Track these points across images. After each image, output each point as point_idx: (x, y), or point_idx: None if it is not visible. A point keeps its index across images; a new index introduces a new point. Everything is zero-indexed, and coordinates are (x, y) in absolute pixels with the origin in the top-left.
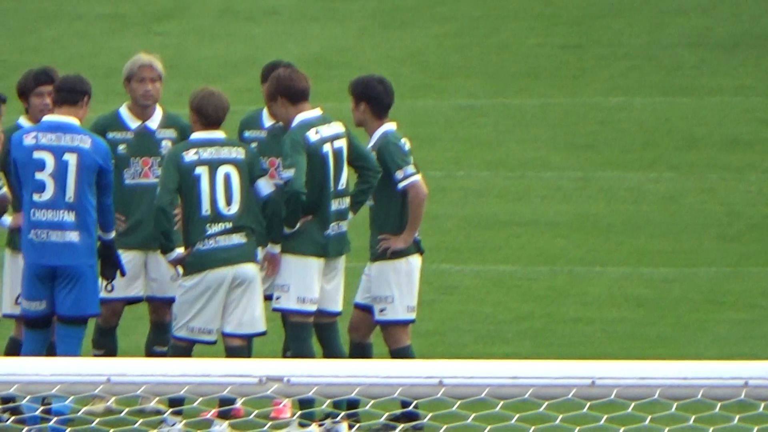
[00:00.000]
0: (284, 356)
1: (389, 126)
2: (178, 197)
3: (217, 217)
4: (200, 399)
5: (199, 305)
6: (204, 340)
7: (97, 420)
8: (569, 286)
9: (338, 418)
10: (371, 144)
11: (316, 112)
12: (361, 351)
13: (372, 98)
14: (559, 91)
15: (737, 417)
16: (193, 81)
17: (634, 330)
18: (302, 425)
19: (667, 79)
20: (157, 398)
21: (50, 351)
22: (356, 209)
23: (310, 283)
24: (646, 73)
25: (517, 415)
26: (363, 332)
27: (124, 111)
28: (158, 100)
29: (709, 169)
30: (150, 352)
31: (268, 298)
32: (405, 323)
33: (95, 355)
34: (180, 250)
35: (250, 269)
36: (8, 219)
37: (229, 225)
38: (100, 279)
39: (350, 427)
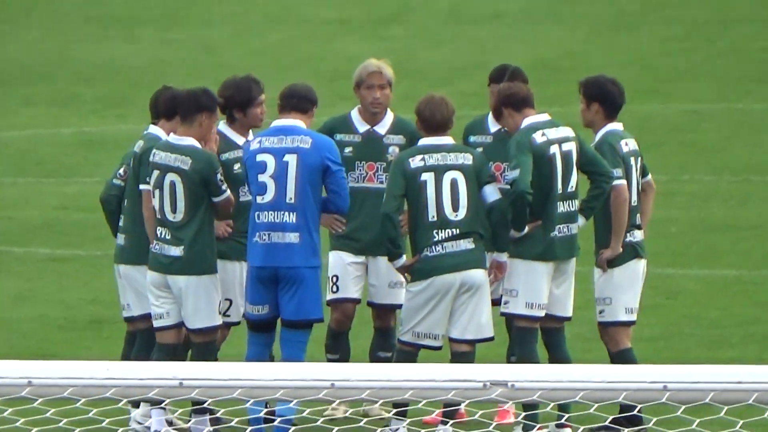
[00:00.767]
0: (509, 361)
1: (615, 126)
2: (404, 203)
3: (444, 222)
4: (423, 401)
5: (425, 310)
6: (429, 345)
7: (320, 420)
8: None
9: (563, 420)
10: (594, 143)
11: (543, 116)
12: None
13: (605, 99)
14: None
15: None
16: (418, 85)
17: None
18: (526, 429)
19: None
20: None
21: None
22: (588, 215)
23: (539, 287)
24: None
25: (741, 421)
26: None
27: (355, 114)
28: (387, 106)
29: None
30: (374, 358)
31: (495, 302)
32: (625, 325)
33: (329, 360)
34: (404, 258)
35: (477, 275)
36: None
37: (456, 230)
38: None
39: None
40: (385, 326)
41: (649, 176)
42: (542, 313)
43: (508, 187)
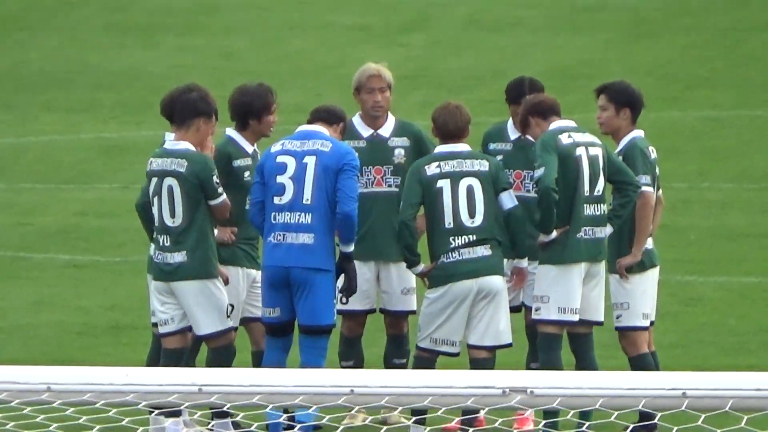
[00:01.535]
0: (528, 368)
1: (639, 132)
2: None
3: (460, 229)
4: (443, 408)
5: (443, 317)
6: (447, 352)
7: (340, 429)
8: None
9: (584, 428)
10: (618, 149)
11: (569, 122)
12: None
13: (635, 104)
14: None
15: None
16: (437, 92)
17: None
18: None
19: None
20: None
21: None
22: (615, 223)
23: (571, 292)
24: None
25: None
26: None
27: (357, 120)
28: (388, 109)
29: None
30: (389, 365)
31: (514, 309)
32: (642, 330)
33: (343, 367)
34: (422, 265)
35: (495, 281)
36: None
37: (473, 237)
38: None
39: None
40: (398, 333)
41: (660, 191)
42: (576, 318)
43: (527, 194)
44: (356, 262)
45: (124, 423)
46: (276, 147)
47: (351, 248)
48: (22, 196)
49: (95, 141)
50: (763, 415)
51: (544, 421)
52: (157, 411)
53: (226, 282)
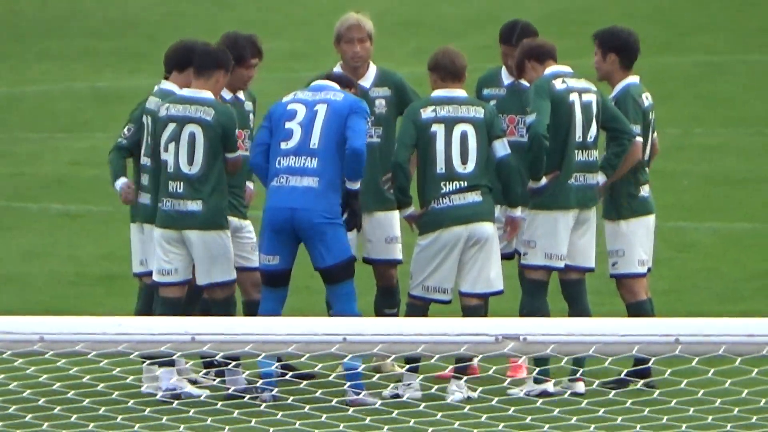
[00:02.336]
0: (521, 315)
1: (633, 78)
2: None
3: (452, 175)
4: (436, 356)
5: (434, 264)
6: (439, 299)
7: (332, 375)
8: None
9: (577, 375)
10: (612, 95)
11: (565, 67)
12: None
13: (622, 49)
14: None
15: None
16: (431, 39)
17: None
18: (538, 382)
19: None
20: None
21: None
22: (609, 173)
23: (558, 238)
24: None
25: (756, 369)
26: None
27: (338, 70)
28: (368, 59)
29: None
30: (380, 314)
31: (507, 257)
32: (639, 276)
33: (331, 315)
34: (413, 208)
35: (485, 228)
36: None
37: (464, 183)
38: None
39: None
40: (387, 284)
41: (655, 134)
42: (562, 264)
43: (521, 139)
44: None
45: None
46: (288, 97)
47: (357, 185)
48: (17, 145)
49: (90, 90)
50: (754, 358)
51: (536, 369)
52: (149, 361)
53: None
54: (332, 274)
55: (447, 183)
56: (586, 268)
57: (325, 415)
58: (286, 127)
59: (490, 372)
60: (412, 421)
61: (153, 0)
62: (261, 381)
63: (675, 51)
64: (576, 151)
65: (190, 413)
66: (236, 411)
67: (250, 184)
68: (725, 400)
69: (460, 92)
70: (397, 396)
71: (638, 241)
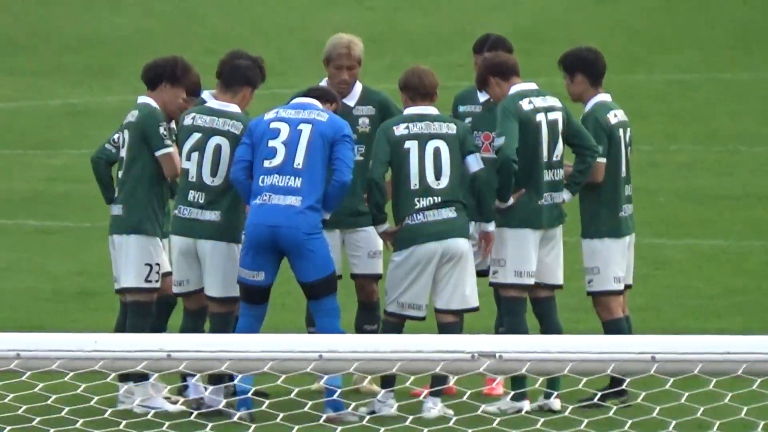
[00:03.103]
0: (497, 333)
1: (603, 97)
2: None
3: (426, 190)
4: (412, 378)
5: (408, 280)
6: (413, 315)
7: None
8: None
9: (552, 397)
10: (584, 114)
11: (530, 85)
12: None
13: (586, 67)
14: None
15: None
16: (403, 55)
17: None
18: (515, 400)
19: None
20: (368, 378)
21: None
22: (574, 190)
23: (527, 255)
24: None
25: (730, 394)
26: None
27: (322, 85)
28: (353, 84)
29: None
30: (359, 331)
31: (482, 273)
32: (614, 294)
33: (310, 332)
34: (388, 224)
35: (460, 244)
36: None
37: (438, 199)
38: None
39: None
40: (368, 300)
41: (629, 149)
42: (531, 281)
43: (496, 156)
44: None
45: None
46: (269, 114)
47: (326, 216)
48: None
49: (61, 106)
50: (729, 378)
51: (512, 392)
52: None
53: None
54: (315, 289)
55: (421, 199)
56: (555, 285)
57: (296, 426)
58: (270, 146)
59: (465, 397)
60: None
61: (123, 16)
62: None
63: (646, 68)
64: (545, 171)
65: (165, 426)
66: (210, 424)
67: None
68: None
69: (431, 109)
70: (373, 412)
71: (613, 258)
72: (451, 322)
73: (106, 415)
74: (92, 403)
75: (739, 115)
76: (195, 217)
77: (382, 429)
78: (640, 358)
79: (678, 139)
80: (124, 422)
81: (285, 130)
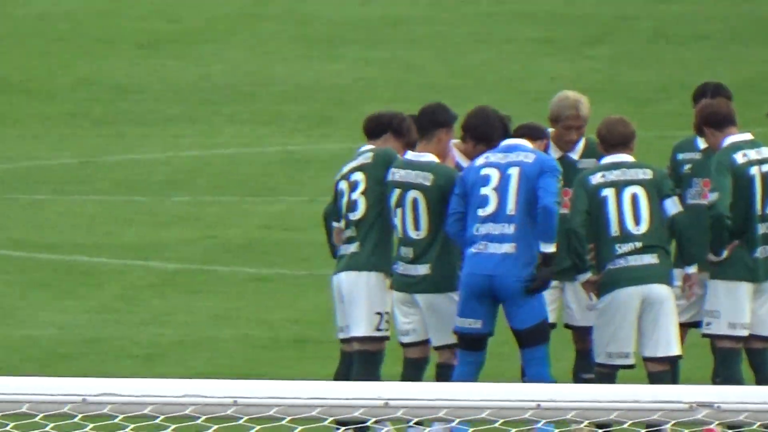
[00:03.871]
0: (713, 383)
1: (737, 137)
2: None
3: (626, 236)
4: (628, 423)
5: (612, 328)
6: (621, 364)
7: None
8: None
9: None
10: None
11: (745, 136)
12: None
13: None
14: None
15: None
16: (623, 105)
17: None
18: None
19: None
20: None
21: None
22: None
23: (741, 307)
24: None
25: None
26: None
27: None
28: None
29: None
30: (577, 379)
31: (694, 325)
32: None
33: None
34: (590, 274)
35: (660, 290)
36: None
37: (639, 244)
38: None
39: None
40: (585, 348)
41: None
42: (745, 333)
43: (712, 200)
44: None
45: None
46: (480, 161)
47: (551, 248)
48: (206, 209)
49: (279, 153)
50: None
51: None
52: (344, 428)
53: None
54: (527, 337)
55: (622, 245)
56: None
57: None
58: (482, 194)
59: None
60: None
61: (342, 65)
62: None
63: None
64: (758, 224)
65: None
66: None
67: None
68: None
69: (626, 157)
70: None
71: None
72: (661, 371)
73: None
74: None
75: None
76: (410, 273)
77: None
78: None
79: None
80: None
81: (495, 175)
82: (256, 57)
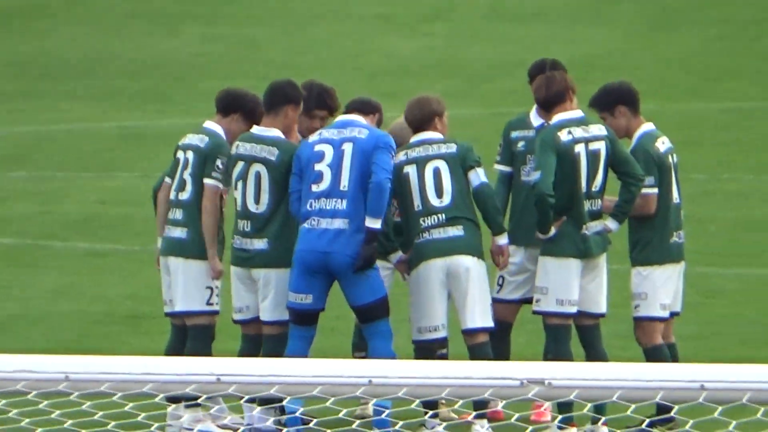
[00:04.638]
0: (545, 360)
1: (647, 127)
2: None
3: (429, 210)
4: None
5: (421, 302)
6: (433, 339)
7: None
8: None
9: (600, 423)
10: (632, 146)
11: (576, 113)
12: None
13: (625, 97)
14: None
15: None
16: (459, 82)
17: None
18: (561, 428)
19: None
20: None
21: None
22: (620, 219)
23: (570, 284)
24: None
25: None
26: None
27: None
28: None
29: None
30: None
31: (527, 301)
32: (659, 320)
33: (355, 357)
34: (400, 253)
35: (466, 261)
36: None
37: (442, 216)
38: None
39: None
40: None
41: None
42: (574, 310)
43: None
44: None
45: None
46: (313, 137)
47: (377, 224)
48: (44, 184)
49: (116, 129)
50: None
51: (560, 417)
52: (175, 404)
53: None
54: (364, 313)
55: (425, 218)
56: (598, 314)
57: None
58: (316, 170)
59: (513, 420)
60: None
61: (181, 41)
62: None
63: (704, 97)
64: (584, 202)
65: None
66: None
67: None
68: None
69: (431, 134)
70: None
71: (662, 285)
72: (481, 343)
73: None
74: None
75: None
76: (246, 247)
77: None
78: (689, 387)
79: (732, 168)
80: None
81: (329, 151)
82: (94, 32)
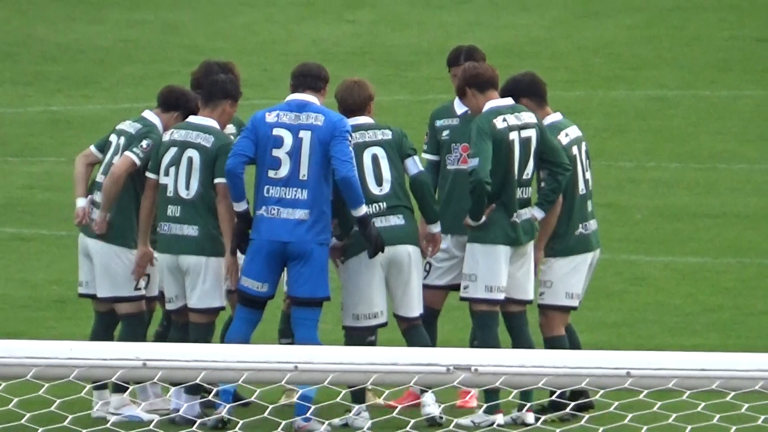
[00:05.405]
0: (471, 346)
1: (554, 117)
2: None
3: (369, 198)
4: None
5: (359, 289)
6: (372, 325)
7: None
8: (758, 278)
9: (524, 409)
10: None
11: (506, 101)
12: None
13: (529, 91)
14: (751, 83)
15: None
16: (384, 69)
17: None
18: (488, 413)
19: None
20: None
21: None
22: (546, 208)
23: (498, 271)
24: None
25: (702, 404)
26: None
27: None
28: None
29: None
30: None
31: (454, 288)
32: (563, 310)
33: (281, 344)
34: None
35: (408, 250)
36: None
37: (383, 205)
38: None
39: (536, 419)
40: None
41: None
42: (502, 296)
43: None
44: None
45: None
46: (270, 117)
47: (363, 210)
48: None
49: (41, 114)
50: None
51: (486, 405)
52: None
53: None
54: (305, 304)
55: (366, 206)
56: (524, 300)
57: None
58: (274, 155)
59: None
60: None
61: (103, 27)
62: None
63: (627, 85)
64: (516, 189)
65: None
66: None
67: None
68: None
69: (366, 119)
70: (346, 425)
71: (568, 275)
72: (415, 326)
73: (66, 423)
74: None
75: (719, 133)
76: (175, 233)
77: None
78: (615, 373)
79: (657, 156)
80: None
81: (288, 138)
82: (18, 16)
